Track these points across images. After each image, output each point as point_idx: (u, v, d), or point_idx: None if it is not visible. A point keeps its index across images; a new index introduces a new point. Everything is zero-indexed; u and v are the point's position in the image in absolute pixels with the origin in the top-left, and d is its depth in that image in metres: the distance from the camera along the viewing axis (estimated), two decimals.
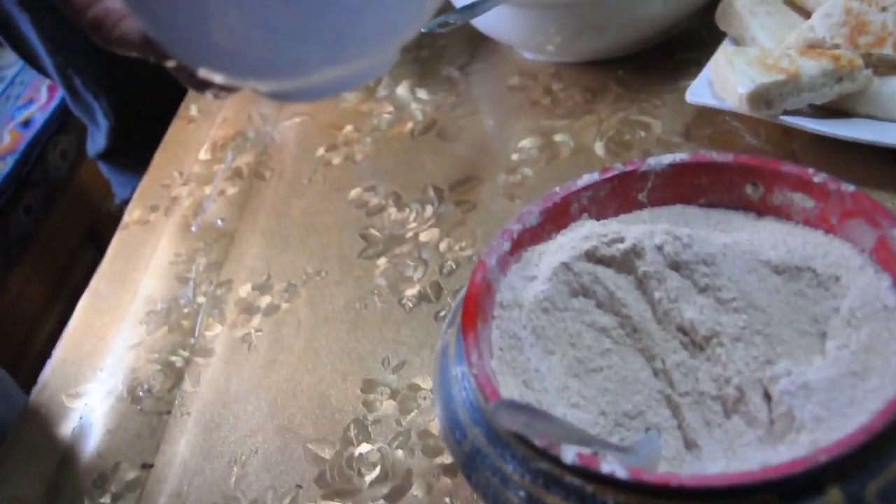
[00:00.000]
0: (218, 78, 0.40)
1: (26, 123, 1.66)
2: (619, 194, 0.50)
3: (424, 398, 0.55)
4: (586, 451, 0.37)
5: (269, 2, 0.33)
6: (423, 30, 0.54)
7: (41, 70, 1.26)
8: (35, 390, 0.66)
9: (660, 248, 0.45)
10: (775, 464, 0.35)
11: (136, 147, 1.16)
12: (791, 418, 0.38)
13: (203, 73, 0.40)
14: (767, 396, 0.41)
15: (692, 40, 0.78)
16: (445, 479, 0.50)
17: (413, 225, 0.69)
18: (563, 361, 0.45)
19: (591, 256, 0.46)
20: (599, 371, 0.45)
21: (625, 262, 0.46)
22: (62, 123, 1.70)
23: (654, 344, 0.44)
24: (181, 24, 0.36)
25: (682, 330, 0.44)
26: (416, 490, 0.50)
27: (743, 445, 0.41)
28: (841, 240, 0.45)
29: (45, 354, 1.52)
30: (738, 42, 0.70)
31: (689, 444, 0.42)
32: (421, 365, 0.58)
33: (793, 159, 0.63)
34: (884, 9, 0.60)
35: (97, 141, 1.32)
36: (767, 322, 0.43)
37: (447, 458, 0.51)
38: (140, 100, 1.24)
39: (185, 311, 0.68)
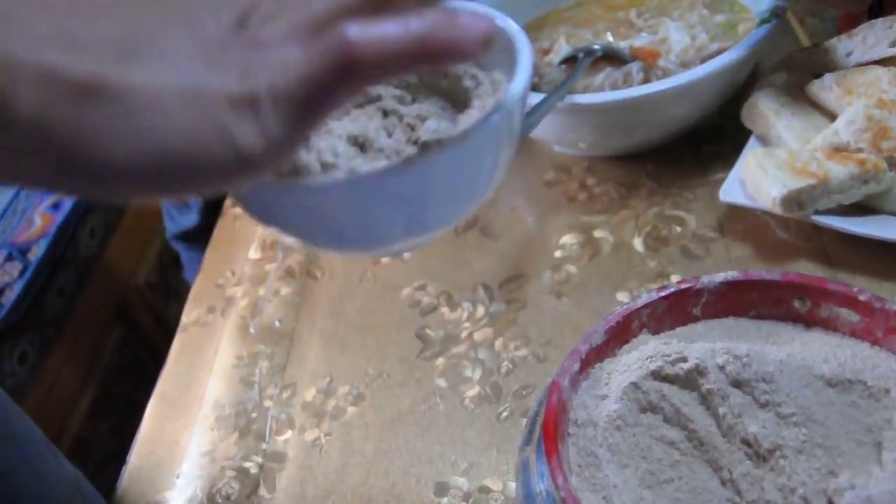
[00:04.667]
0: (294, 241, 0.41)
1: (56, 205, 1.71)
2: (675, 310, 0.54)
3: (496, 500, 0.59)
4: None
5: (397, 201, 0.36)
6: None
7: None
8: (116, 497, 0.69)
9: (721, 368, 0.49)
10: None
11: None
12: None
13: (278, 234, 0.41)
14: None
15: (717, 133, 0.83)
16: None
17: (467, 325, 0.73)
18: (637, 474, 0.48)
19: (658, 375, 0.50)
20: (671, 482, 0.48)
21: (689, 380, 0.50)
22: (91, 201, 1.74)
23: (721, 456, 0.48)
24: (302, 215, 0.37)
25: (746, 442, 0.48)
26: None
27: None
28: (887, 353, 0.49)
29: (83, 434, 1.54)
30: (763, 140, 0.75)
31: None
32: (489, 466, 0.61)
33: (823, 254, 0.68)
34: None
35: (187, 217, 1.34)
36: (826, 434, 0.46)
37: None
38: None
39: (254, 415, 0.72)
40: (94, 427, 1.58)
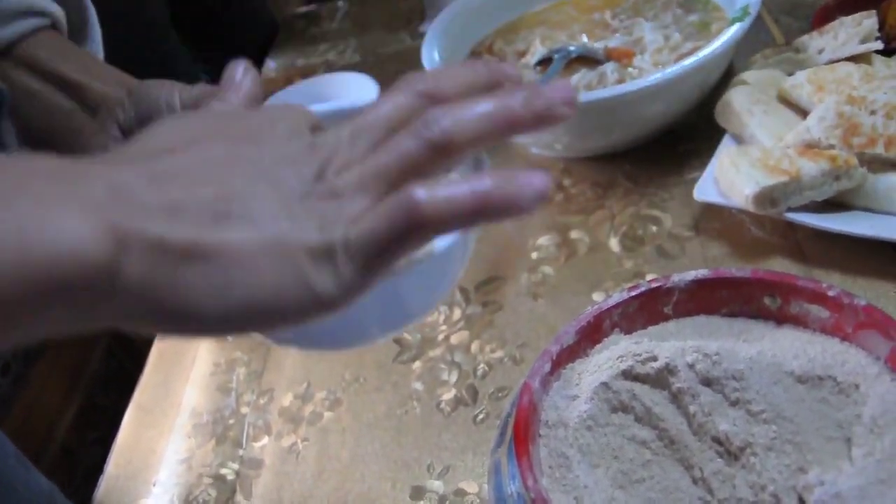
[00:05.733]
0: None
1: None
2: (646, 309, 0.54)
3: (472, 503, 0.59)
4: None
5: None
6: None
7: None
8: None
9: (691, 366, 0.49)
10: None
11: None
12: None
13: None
14: (802, 502, 0.45)
15: (693, 131, 0.83)
16: None
17: (443, 328, 0.72)
18: (609, 474, 0.48)
19: (628, 375, 0.50)
20: (643, 482, 0.48)
21: (659, 379, 0.49)
22: None
23: (692, 454, 0.48)
24: None
25: (717, 441, 0.48)
26: None
27: None
28: (857, 348, 0.49)
29: (68, 445, 1.53)
30: (737, 138, 0.75)
31: None
32: (465, 469, 0.61)
33: (798, 250, 0.68)
34: (872, 112, 0.65)
35: None
36: (796, 431, 0.46)
37: None
38: None
39: (231, 422, 0.71)
40: (81, 438, 1.57)
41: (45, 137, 0.52)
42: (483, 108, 0.31)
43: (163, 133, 0.32)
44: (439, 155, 0.31)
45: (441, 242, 0.39)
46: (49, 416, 1.52)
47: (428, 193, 0.28)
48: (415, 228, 0.28)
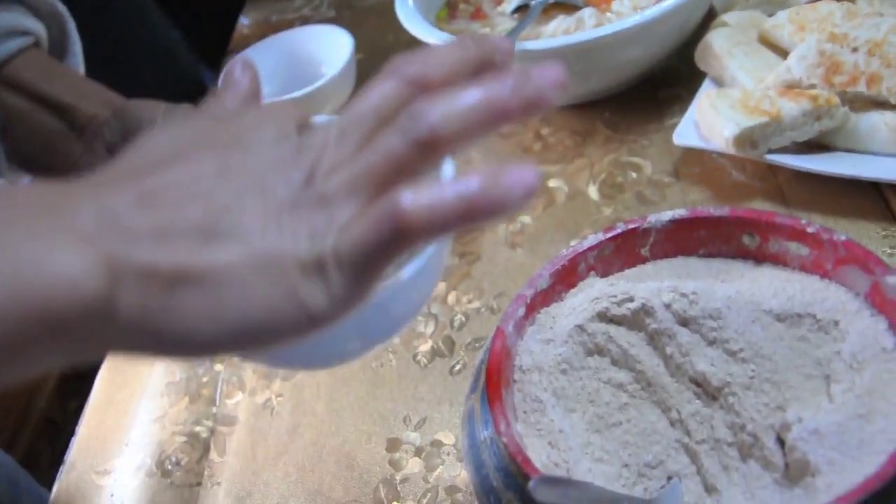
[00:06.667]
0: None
1: None
2: (623, 251, 0.53)
3: (448, 454, 0.58)
4: None
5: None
6: None
7: None
8: (63, 470, 0.67)
9: (668, 306, 0.47)
10: None
11: None
12: (805, 463, 0.41)
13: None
14: (781, 441, 0.44)
15: (673, 76, 0.81)
16: None
17: None
18: (584, 418, 0.47)
19: (603, 317, 0.48)
20: (619, 425, 0.47)
21: (635, 321, 0.48)
22: None
23: (669, 396, 0.47)
24: None
25: (694, 381, 0.47)
26: None
27: (761, 488, 0.43)
28: (837, 285, 0.47)
29: (50, 414, 1.52)
30: (718, 81, 0.73)
31: (710, 489, 0.45)
32: (441, 421, 0.60)
33: (779, 193, 0.66)
34: (854, 49, 0.63)
35: None
36: (774, 369, 0.45)
37: None
38: None
39: (205, 379, 0.70)
40: (63, 407, 1.56)
41: (34, 157, 0.52)
42: (471, 98, 0.30)
43: (150, 147, 0.32)
44: (427, 152, 0.30)
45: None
46: (29, 386, 1.50)
47: (413, 201, 0.28)
48: (401, 237, 0.28)
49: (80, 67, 0.58)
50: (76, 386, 1.60)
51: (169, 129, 0.33)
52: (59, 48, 0.57)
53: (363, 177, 0.30)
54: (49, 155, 0.52)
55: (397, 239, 0.28)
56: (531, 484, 0.36)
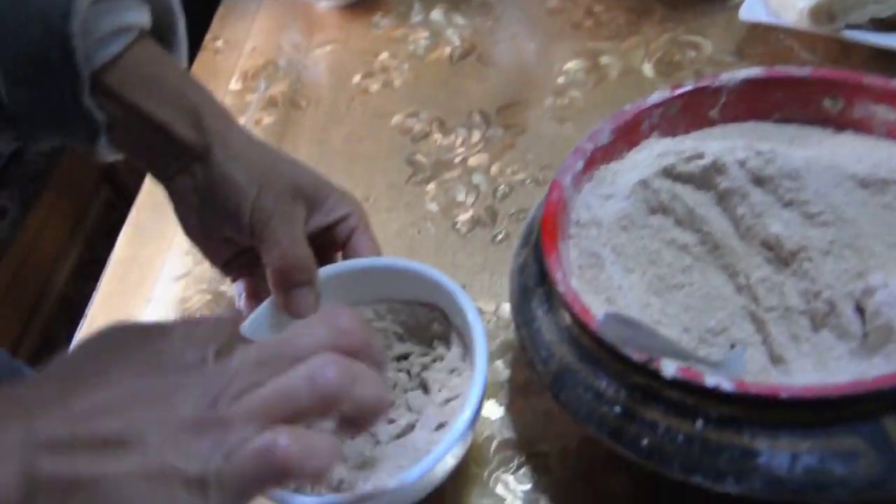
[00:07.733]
0: None
1: None
2: (690, 111, 0.49)
3: (488, 322, 0.55)
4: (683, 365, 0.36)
5: None
6: None
7: None
8: (83, 324, 0.65)
9: (742, 164, 0.44)
10: (875, 375, 0.35)
11: None
12: (889, 330, 0.38)
13: None
14: (860, 310, 0.40)
15: None
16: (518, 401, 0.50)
17: (461, 150, 0.67)
18: (644, 279, 0.44)
19: (669, 173, 0.45)
20: (681, 288, 0.44)
21: (704, 179, 0.45)
22: None
23: (737, 260, 0.44)
24: None
25: (766, 245, 0.43)
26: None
27: (834, 359, 0.40)
28: None
29: (67, 294, 1.51)
30: None
31: (776, 359, 0.42)
32: (481, 289, 0.57)
33: None
34: None
35: None
36: (857, 235, 0.42)
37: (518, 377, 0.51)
38: None
39: None
40: (81, 288, 1.54)
41: (137, 160, 0.54)
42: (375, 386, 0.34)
43: (83, 362, 0.35)
44: (326, 407, 0.33)
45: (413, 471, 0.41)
46: (47, 264, 1.49)
47: (290, 445, 0.31)
48: (275, 473, 0.31)
49: (183, 63, 0.56)
50: (95, 269, 1.59)
51: (100, 344, 0.35)
52: (163, 42, 0.54)
53: (262, 408, 0.32)
54: (147, 164, 0.54)
55: (271, 474, 0.31)
56: (600, 317, 0.33)
